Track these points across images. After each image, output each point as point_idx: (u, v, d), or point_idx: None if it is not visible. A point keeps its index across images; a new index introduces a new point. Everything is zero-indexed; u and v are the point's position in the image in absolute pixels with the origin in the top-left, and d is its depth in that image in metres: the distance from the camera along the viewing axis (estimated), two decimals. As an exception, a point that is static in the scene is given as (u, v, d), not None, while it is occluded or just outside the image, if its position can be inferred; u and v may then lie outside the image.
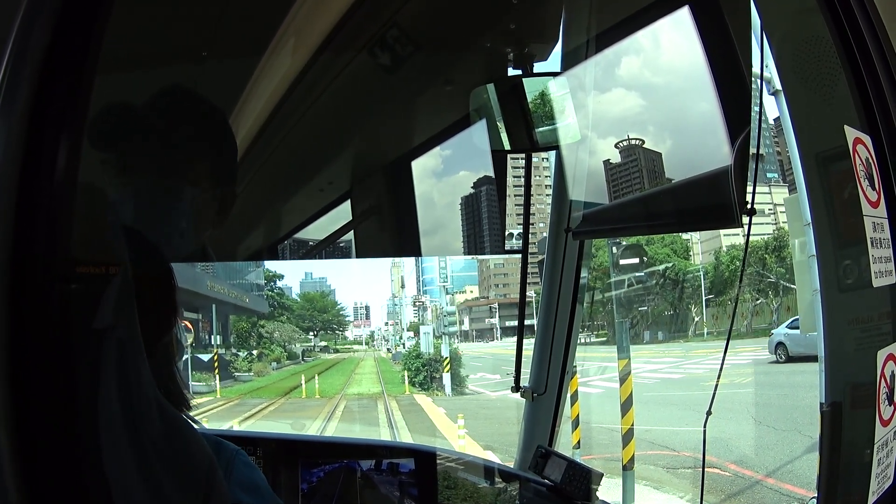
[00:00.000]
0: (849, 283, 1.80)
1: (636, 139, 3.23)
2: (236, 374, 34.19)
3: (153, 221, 1.66)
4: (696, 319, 39.81)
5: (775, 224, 38.03)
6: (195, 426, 1.54)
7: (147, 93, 1.75)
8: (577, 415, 9.51)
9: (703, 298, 39.85)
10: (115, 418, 1.19)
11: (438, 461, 3.06)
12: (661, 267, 41.39)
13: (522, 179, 3.64)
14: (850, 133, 1.74)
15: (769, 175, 40.37)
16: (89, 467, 1.11)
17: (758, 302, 36.26)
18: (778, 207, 37.84)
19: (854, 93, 1.84)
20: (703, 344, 33.46)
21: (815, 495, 1.82)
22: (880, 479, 1.69)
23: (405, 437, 18.68)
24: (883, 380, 1.70)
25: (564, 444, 8.39)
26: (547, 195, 3.61)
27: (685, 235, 41.05)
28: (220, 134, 1.90)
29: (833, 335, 1.85)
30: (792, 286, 30.91)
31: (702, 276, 40.77)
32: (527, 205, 3.55)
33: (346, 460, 2.95)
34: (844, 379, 1.83)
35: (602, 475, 3.08)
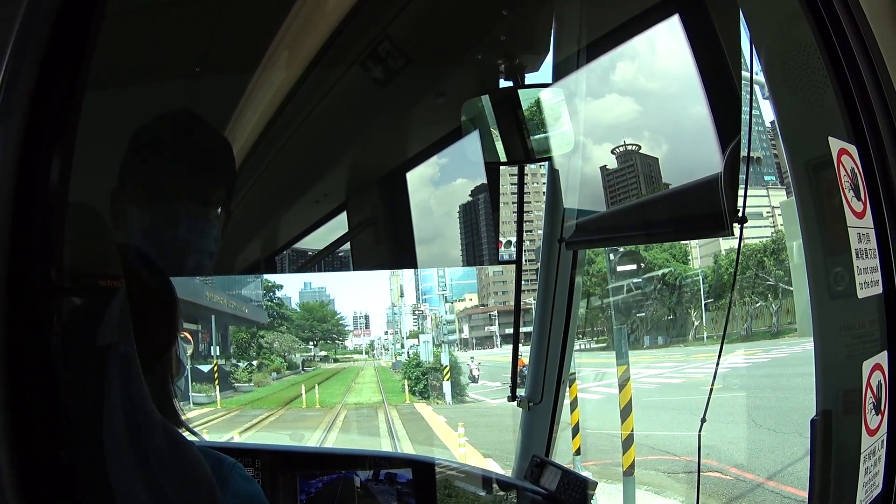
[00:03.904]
0: (839, 291, 1.80)
1: (631, 145, 3.24)
2: (236, 384, 34.05)
3: (187, 245, 1.68)
4: (696, 323, 39.68)
5: (773, 227, 38.00)
6: (193, 440, 1.55)
7: (140, 107, 1.78)
8: (577, 421, 9.50)
9: (703, 302, 39.73)
10: (120, 435, 1.20)
11: (436, 471, 3.06)
12: (660, 272, 41.28)
13: (516, 189, 3.65)
14: (835, 144, 1.75)
15: (766, 178, 40.32)
16: (93, 485, 1.12)
17: (757, 305, 36.17)
18: (775, 210, 37.83)
19: (841, 102, 1.85)
20: (703, 348, 33.36)
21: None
22: (868, 487, 1.69)
23: (406, 447, 18.64)
24: (869, 389, 1.71)
25: (565, 450, 8.38)
26: (543, 202, 3.62)
27: (683, 240, 40.92)
28: (230, 155, 1.93)
29: (824, 342, 1.86)
30: (791, 288, 30.91)
31: (701, 280, 40.65)
32: (520, 214, 3.55)
33: (343, 471, 2.95)
34: (835, 386, 1.83)
35: (597, 483, 3.09)
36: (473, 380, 31.50)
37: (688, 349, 34.89)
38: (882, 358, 1.77)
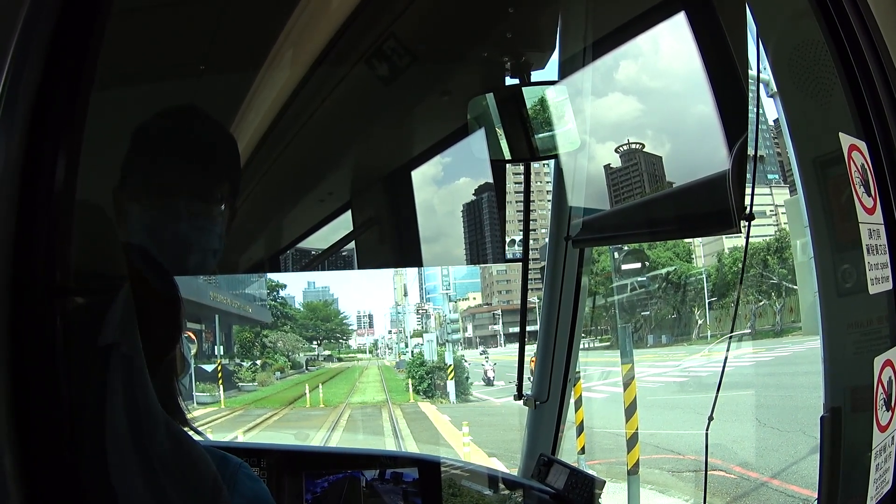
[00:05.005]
0: (847, 288, 1.80)
1: (636, 143, 3.23)
2: (240, 384, 34.14)
3: (189, 243, 1.67)
4: (700, 322, 39.69)
5: (777, 225, 38.01)
6: (198, 440, 1.55)
7: (145, 107, 1.76)
8: (582, 420, 9.50)
9: (706, 301, 39.75)
10: (123, 435, 1.19)
11: (442, 470, 3.06)
12: (664, 270, 41.31)
13: (522, 186, 3.65)
14: (845, 140, 1.75)
15: (770, 176, 40.33)
16: (97, 485, 1.12)
17: (760, 304, 36.17)
18: (779, 209, 37.82)
19: (850, 98, 1.84)
20: (707, 346, 33.34)
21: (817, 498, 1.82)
22: (879, 483, 1.69)
23: (410, 446, 18.66)
24: (880, 385, 1.70)
25: (569, 449, 8.38)
26: (549, 200, 3.61)
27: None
28: (234, 151, 1.92)
29: (832, 339, 1.85)
30: (795, 287, 30.89)
31: (704, 279, 40.67)
32: (527, 212, 3.55)
33: (349, 470, 2.95)
34: (844, 383, 1.83)
35: (604, 482, 3.09)
36: (488, 381, 31.13)
37: (691, 348, 34.89)
38: (893, 354, 1.76)
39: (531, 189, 3.60)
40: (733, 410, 14.91)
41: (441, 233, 3.78)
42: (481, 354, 39.48)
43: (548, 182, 3.82)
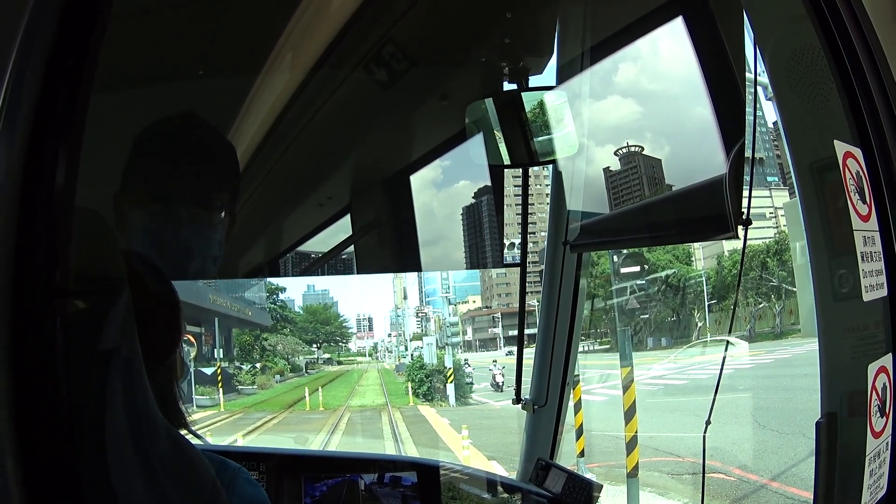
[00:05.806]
0: (844, 293, 1.80)
1: (634, 147, 3.24)
2: (240, 387, 34.01)
3: (190, 249, 1.68)
4: (700, 325, 39.55)
5: (776, 227, 37.93)
6: (197, 444, 1.55)
7: (143, 110, 1.77)
8: (581, 423, 9.50)
9: (706, 304, 39.62)
10: (123, 438, 1.20)
11: (440, 474, 3.06)
12: (664, 273, 41.18)
13: (520, 191, 3.65)
14: (840, 147, 1.75)
15: (769, 179, 40.25)
16: (97, 488, 1.12)
17: (760, 306, 36.07)
18: (778, 211, 37.76)
19: (845, 105, 1.85)
20: (707, 349, 33.23)
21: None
22: (873, 489, 1.69)
23: (410, 449, 18.61)
24: (874, 392, 1.71)
25: (569, 452, 8.38)
26: (547, 204, 3.62)
27: (686, 241, 40.64)
28: (234, 159, 1.93)
29: (829, 344, 1.86)
30: (794, 289, 30.85)
31: (704, 282, 40.54)
32: (525, 216, 3.55)
33: (348, 474, 2.95)
34: (840, 389, 1.83)
35: (602, 486, 3.09)
36: (497, 387, 30.55)
37: (691, 350, 34.79)
38: (887, 360, 1.77)
39: (530, 193, 3.60)
40: (733, 413, 14.88)
41: (441, 237, 3.78)
42: (506, 356, 39.02)
43: (546, 186, 3.82)
